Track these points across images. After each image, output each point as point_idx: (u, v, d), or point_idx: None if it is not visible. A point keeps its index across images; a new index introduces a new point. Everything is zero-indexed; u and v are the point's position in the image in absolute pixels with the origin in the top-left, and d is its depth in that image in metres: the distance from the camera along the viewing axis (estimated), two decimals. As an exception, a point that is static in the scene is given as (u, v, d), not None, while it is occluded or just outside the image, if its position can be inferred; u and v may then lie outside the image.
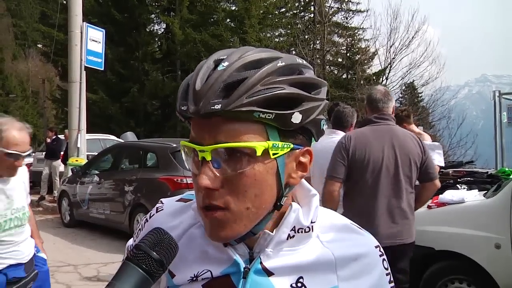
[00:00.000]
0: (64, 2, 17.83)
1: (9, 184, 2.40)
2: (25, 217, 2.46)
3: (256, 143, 0.70)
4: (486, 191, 4.54)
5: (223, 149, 0.71)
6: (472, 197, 4.27)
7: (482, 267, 3.70)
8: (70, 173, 9.85)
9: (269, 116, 0.70)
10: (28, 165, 14.64)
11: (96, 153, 10.01)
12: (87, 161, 9.83)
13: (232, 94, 0.68)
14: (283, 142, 0.73)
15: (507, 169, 6.49)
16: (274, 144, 0.72)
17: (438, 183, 3.18)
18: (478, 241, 3.75)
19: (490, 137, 8.96)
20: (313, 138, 0.80)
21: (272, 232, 0.78)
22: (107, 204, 8.03)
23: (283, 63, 0.72)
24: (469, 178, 6.43)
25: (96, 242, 7.81)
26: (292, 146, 0.74)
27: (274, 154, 0.72)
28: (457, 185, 5.66)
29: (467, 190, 5.10)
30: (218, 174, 0.71)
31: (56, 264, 6.45)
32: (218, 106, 0.68)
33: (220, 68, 0.70)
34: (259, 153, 0.70)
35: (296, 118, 0.72)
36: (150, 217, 0.90)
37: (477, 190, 4.89)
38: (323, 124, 0.79)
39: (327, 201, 2.98)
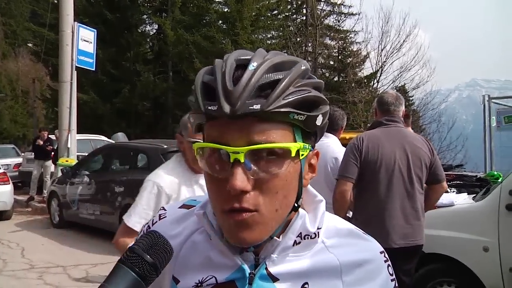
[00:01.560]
0: (55, 1, 17.68)
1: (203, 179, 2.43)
2: None
3: (290, 144, 0.70)
4: (475, 195, 4.57)
5: (258, 150, 0.68)
6: (461, 200, 4.31)
7: (470, 269, 3.73)
8: (60, 174, 9.77)
9: (301, 117, 0.70)
10: (17, 166, 14.66)
11: (87, 154, 9.94)
12: (77, 161, 9.76)
13: (269, 95, 0.68)
14: (306, 144, 0.73)
15: (495, 172, 6.55)
16: (304, 146, 0.72)
17: (446, 185, 3.18)
18: (466, 244, 3.78)
19: (479, 141, 9.01)
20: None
21: (279, 238, 0.77)
22: (97, 205, 7.97)
23: (305, 67, 0.73)
24: (458, 182, 6.50)
25: (86, 243, 7.75)
26: (310, 147, 0.75)
27: (302, 155, 0.72)
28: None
29: (457, 193, 5.14)
30: (251, 176, 0.69)
31: (45, 265, 6.40)
32: (257, 107, 0.67)
33: (250, 68, 0.69)
34: (293, 153, 0.70)
35: (319, 120, 0.73)
36: (152, 224, 0.88)
37: (466, 193, 4.93)
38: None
39: (338, 201, 2.99)
